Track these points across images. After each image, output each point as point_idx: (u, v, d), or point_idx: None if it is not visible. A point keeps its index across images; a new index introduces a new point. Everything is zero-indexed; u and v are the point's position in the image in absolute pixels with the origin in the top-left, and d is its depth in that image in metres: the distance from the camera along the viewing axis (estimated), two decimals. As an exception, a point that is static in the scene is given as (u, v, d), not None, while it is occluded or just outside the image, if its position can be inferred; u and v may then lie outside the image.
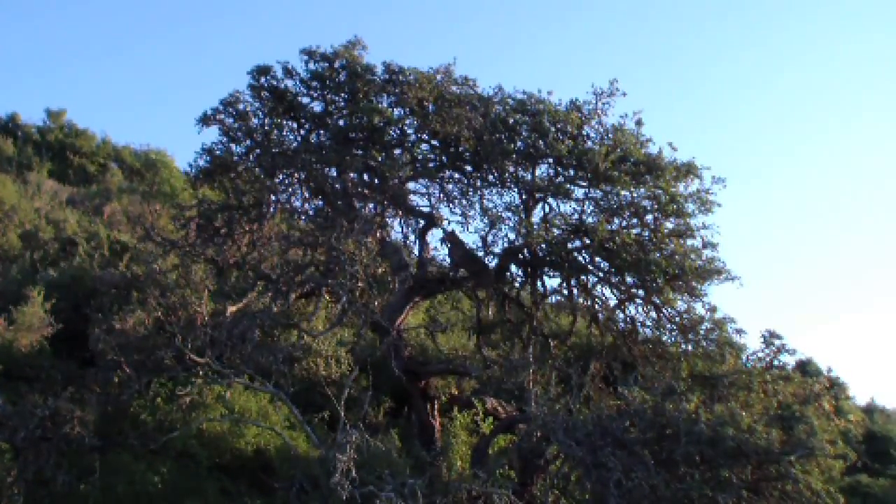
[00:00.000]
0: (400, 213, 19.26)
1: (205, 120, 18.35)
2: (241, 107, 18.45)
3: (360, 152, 17.66)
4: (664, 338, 17.23)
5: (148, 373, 16.06)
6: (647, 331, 17.71)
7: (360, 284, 16.01)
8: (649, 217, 17.04)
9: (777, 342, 16.17)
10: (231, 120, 18.46)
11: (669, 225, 17.01)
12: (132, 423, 16.84)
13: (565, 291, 18.35)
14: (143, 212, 30.20)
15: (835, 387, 24.46)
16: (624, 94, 17.46)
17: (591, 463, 14.40)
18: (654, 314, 17.50)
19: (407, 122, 17.96)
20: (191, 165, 19.15)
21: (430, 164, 18.08)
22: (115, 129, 64.73)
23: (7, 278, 21.89)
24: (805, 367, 29.20)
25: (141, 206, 31.35)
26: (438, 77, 17.70)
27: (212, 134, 18.94)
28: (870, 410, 34.52)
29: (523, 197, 17.86)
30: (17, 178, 30.92)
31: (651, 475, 13.88)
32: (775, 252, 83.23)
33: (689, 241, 16.91)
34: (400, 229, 19.91)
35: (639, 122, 17.37)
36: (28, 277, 21.94)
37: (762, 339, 16.23)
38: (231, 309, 17.57)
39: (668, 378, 15.84)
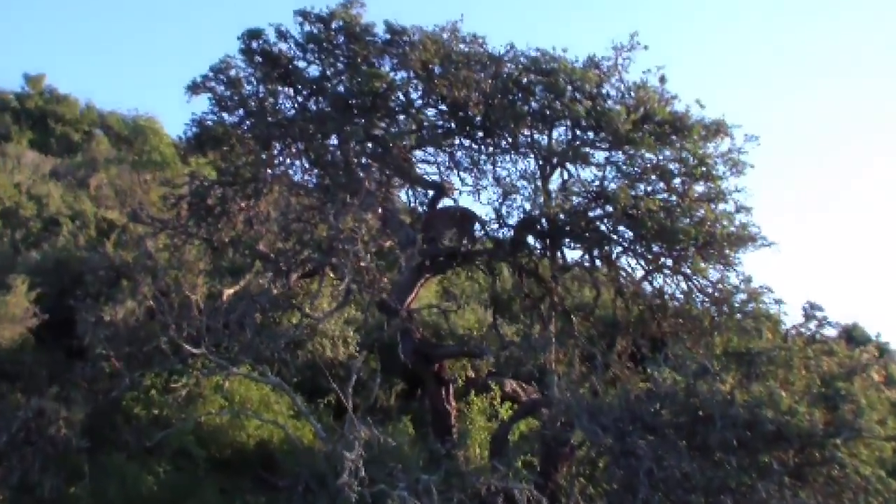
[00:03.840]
0: (406, 183, 19.13)
1: (194, 88, 18.18)
2: (232, 73, 18.23)
3: (361, 120, 17.45)
4: (695, 311, 17.00)
5: (140, 365, 16.07)
6: (677, 303, 17.47)
7: (362, 264, 15.84)
8: (676, 181, 16.79)
9: (819, 314, 15.94)
10: (222, 88, 18.27)
11: (698, 189, 16.75)
12: (125, 418, 16.90)
13: (587, 263, 18.15)
14: (131, 184, 30.17)
15: (884, 354, 24.25)
16: (645, 48, 17.12)
17: (620, 450, 14.33)
18: (683, 285, 17.28)
19: (411, 86, 17.70)
20: (180, 138, 19.08)
21: (438, 131, 17.86)
22: (100, 94, 64.38)
23: (-14, 263, 21.86)
24: (851, 334, 28.90)
25: (129, 176, 31.28)
26: (444, 36, 17.39)
27: (202, 103, 19.08)
28: (923, 377, 34.09)
29: (539, 163, 17.66)
30: (-6, 150, 30.87)
31: (684, 462, 13.79)
32: (814, 211, 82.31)
33: (721, 206, 16.67)
34: (407, 201, 19.87)
35: (662, 79, 17.00)
36: (9, 261, 21.88)
37: (803, 312, 16.00)
38: (227, 292, 17.56)
39: (700, 355, 15.66)
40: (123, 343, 16.28)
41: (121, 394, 16.59)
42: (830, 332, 16.24)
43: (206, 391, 18.28)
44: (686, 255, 16.55)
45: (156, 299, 16.42)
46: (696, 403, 14.33)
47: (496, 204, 17.85)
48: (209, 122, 18.33)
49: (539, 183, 17.38)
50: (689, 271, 16.86)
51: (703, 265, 16.53)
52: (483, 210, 18.78)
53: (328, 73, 18.15)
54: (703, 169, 16.49)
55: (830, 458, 13.87)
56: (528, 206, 17.44)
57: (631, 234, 17.08)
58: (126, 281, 18.14)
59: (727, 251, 16.52)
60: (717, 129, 16.78)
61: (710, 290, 16.81)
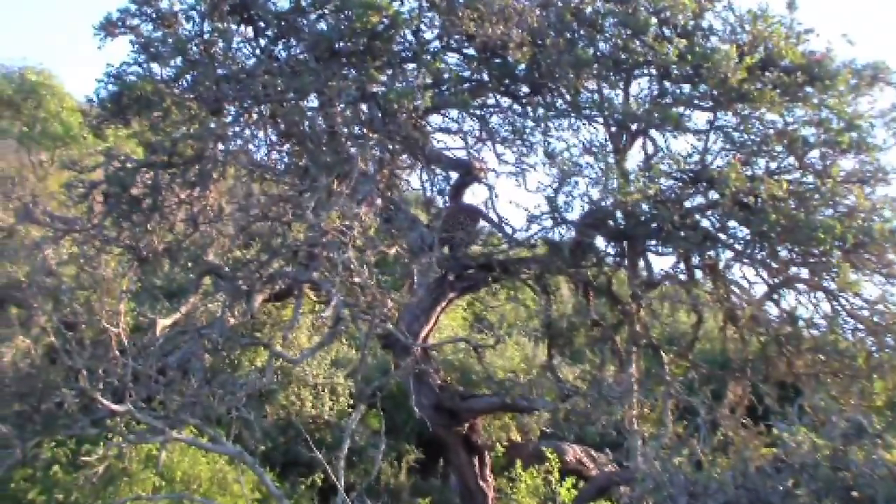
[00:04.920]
0: (419, 163, 19.06)
1: (108, 28, 18.02)
2: (164, 5, 18.10)
3: (352, 71, 17.45)
4: (844, 343, 16.80)
5: (37, 430, 15.99)
6: (817, 333, 17.33)
7: (356, 279, 15.77)
8: (813, 154, 16.69)
9: None
10: (150, 27, 18.14)
11: (846, 165, 16.62)
12: (15, 505, 16.86)
13: (683, 275, 18.07)
14: (20, 167, 30.26)
15: None
16: (766, -39, 17.08)
17: (736, 545, 14.22)
18: (825, 306, 17.14)
19: (424, 20, 17.71)
20: (91, 100, 19.02)
21: (463, 86, 17.84)
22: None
23: None
24: None
25: (17, 156, 31.39)
26: (471, -53, 17.34)
27: (121, 49, 18.68)
28: None
29: (611, 131, 17.69)
30: None
31: (830, 563, 13.67)
32: None
33: (881, 190, 16.54)
34: (420, 188, 19.82)
35: (791, 5, 16.89)
36: None
37: None
38: (163, 323, 17.52)
39: (852, 408, 15.53)
40: (12, 398, 16.20)
41: (9, 471, 16.53)
42: None
43: (132, 465, 18.21)
44: (829, 263, 16.36)
45: (59, 334, 16.35)
46: (849, 478, 14.11)
47: (549, 191, 17.70)
48: (132, 77, 18.10)
49: (612, 159, 17.28)
50: (833, 286, 16.68)
51: (854, 277, 16.23)
52: (531, 200, 18.81)
53: (304, 3, 18.06)
54: (854, 135, 16.21)
55: None
56: (595, 194, 17.34)
57: (747, 232, 16.90)
58: (15, 308, 18.08)
59: (890, 256, 16.31)
60: (873, 76, 16.62)
61: (865, 314, 16.62)
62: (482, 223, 19.51)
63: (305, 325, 19.80)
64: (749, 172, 16.37)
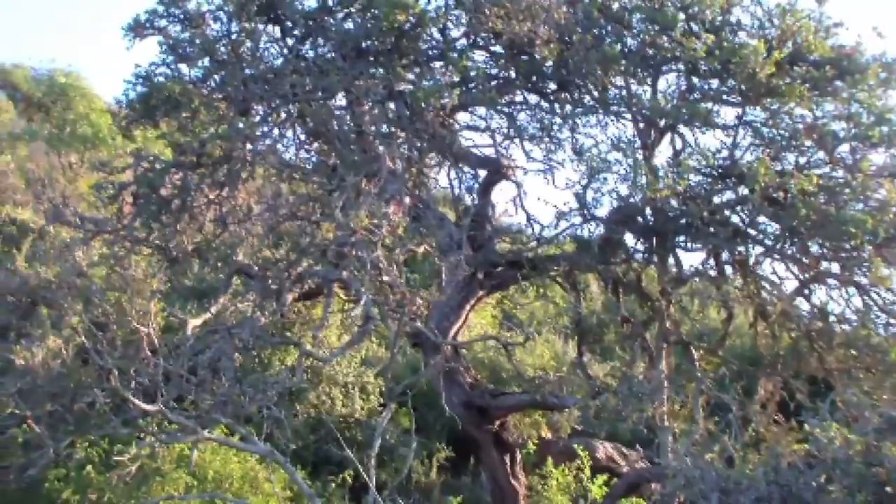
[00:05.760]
0: (447, 160, 19.00)
1: (137, 29, 18.06)
2: (192, 6, 18.11)
3: (379, 70, 17.38)
4: (876, 338, 16.61)
5: (69, 430, 15.99)
6: (849, 328, 17.14)
7: (385, 278, 15.75)
8: (843, 148, 16.45)
9: None
10: (178, 28, 18.18)
11: (877, 159, 16.33)
12: (48, 505, 16.89)
13: (712, 271, 17.93)
14: (49, 168, 30.27)
15: None
16: (795, -46, 16.93)
17: (768, 543, 14.13)
18: (857, 301, 16.93)
19: (450, 18, 17.62)
20: (119, 101, 19.04)
21: (491, 84, 17.75)
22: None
23: None
24: None
25: (47, 158, 31.38)
26: (498, -56, 17.26)
27: (149, 50, 18.70)
28: None
29: (639, 127, 17.52)
30: None
31: (864, 561, 13.57)
32: None
33: (912, 183, 16.34)
34: (448, 185, 19.71)
35: (820, -1, 16.79)
36: None
37: None
38: (193, 323, 17.49)
39: (885, 402, 15.40)
40: (44, 398, 16.20)
41: (42, 471, 16.55)
42: None
43: (165, 465, 18.25)
44: (860, 258, 16.19)
45: (90, 334, 16.33)
46: (882, 474, 14.02)
47: (578, 187, 17.60)
48: (161, 78, 18.16)
49: (640, 155, 17.12)
50: (864, 281, 16.52)
51: (886, 272, 16.11)
52: (559, 196, 18.69)
53: (330, 2, 18.06)
54: (884, 129, 15.95)
55: None
56: (624, 190, 17.24)
57: (777, 227, 16.77)
58: (46, 309, 18.06)
59: (923, 249, 16.16)
60: (904, 69, 16.46)
61: (897, 309, 16.50)
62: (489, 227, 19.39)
63: (335, 324, 19.75)
64: (778, 167, 16.22)
